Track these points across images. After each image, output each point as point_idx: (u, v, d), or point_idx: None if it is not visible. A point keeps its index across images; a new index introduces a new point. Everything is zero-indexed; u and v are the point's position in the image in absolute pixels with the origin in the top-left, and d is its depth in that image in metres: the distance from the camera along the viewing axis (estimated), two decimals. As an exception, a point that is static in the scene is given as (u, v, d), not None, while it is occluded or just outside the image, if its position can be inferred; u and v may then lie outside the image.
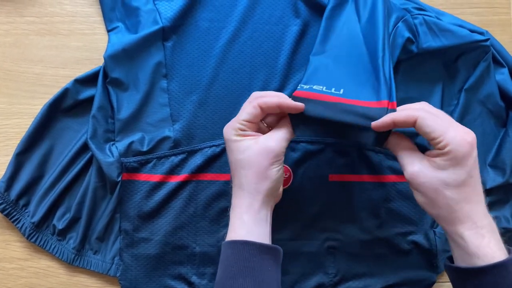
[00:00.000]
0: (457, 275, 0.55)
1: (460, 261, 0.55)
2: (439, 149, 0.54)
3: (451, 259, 0.57)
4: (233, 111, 0.70)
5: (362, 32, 0.66)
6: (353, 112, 0.57)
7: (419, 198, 0.56)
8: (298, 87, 0.61)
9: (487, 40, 0.70)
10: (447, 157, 0.53)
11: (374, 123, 0.56)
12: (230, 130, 0.59)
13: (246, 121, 0.59)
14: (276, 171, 0.58)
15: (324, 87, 0.60)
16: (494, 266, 0.52)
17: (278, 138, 0.58)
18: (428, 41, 0.70)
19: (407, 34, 0.69)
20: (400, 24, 0.69)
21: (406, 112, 0.56)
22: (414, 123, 0.55)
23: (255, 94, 0.60)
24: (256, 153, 0.57)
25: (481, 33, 0.71)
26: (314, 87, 0.60)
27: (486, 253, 0.53)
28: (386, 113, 0.57)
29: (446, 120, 0.55)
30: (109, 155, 0.69)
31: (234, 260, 0.55)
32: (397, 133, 0.59)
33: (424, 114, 0.55)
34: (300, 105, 0.58)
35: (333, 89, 0.60)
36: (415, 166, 0.55)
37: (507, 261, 0.52)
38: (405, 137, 0.59)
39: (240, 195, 0.59)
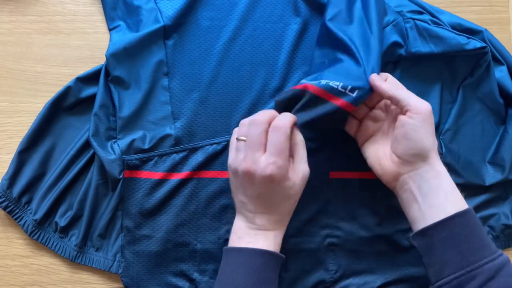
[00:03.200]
0: (426, 235, 0.57)
1: (429, 218, 0.57)
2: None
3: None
4: (234, 109, 0.71)
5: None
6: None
7: (420, 132, 0.59)
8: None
9: (481, 48, 0.69)
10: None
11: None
12: (283, 170, 0.59)
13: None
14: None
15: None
16: (465, 211, 0.57)
17: (306, 167, 0.62)
18: (417, 46, 0.70)
19: (393, 38, 0.69)
20: (388, 28, 0.69)
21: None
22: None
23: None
24: (299, 188, 0.61)
25: (479, 31, 0.71)
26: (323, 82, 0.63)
27: (459, 196, 0.59)
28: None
29: None
30: (111, 153, 0.69)
31: (262, 268, 0.58)
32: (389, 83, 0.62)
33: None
34: None
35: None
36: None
37: (470, 209, 0.58)
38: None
39: (276, 220, 0.62)
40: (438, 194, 0.58)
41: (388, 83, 0.61)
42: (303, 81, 0.63)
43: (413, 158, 0.59)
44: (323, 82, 0.61)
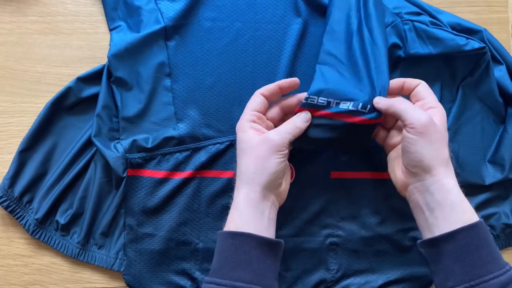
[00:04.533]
0: (433, 245, 0.57)
1: (436, 230, 0.57)
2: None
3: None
4: (237, 110, 0.71)
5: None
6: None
7: (416, 145, 0.58)
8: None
9: (480, 49, 0.70)
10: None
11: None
12: (242, 122, 0.63)
13: (255, 110, 0.62)
14: (276, 163, 0.60)
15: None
16: (475, 224, 0.55)
17: (280, 131, 0.61)
18: (416, 48, 0.71)
19: (391, 40, 0.70)
20: (387, 29, 0.70)
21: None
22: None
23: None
24: (257, 143, 0.60)
25: (478, 31, 0.72)
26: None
27: (466, 208, 0.57)
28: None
29: None
30: (114, 152, 0.69)
31: (234, 251, 0.57)
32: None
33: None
34: (295, 80, 0.64)
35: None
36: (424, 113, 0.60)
37: (480, 221, 0.56)
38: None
39: (239, 186, 0.61)
40: (444, 207, 0.57)
41: (385, 100, 0.62)
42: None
43: (415, 170, 0.59)
44: (339, 105, 0.63)
